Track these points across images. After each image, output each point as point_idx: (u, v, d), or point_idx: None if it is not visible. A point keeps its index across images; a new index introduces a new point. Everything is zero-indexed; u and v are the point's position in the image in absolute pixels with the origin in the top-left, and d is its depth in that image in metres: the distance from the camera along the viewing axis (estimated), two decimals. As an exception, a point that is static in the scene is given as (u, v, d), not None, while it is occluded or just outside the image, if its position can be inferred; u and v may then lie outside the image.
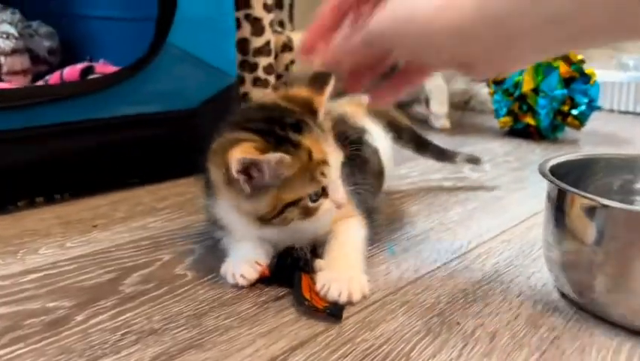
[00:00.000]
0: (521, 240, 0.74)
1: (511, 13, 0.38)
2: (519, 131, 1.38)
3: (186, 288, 0.59)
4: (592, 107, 1.33)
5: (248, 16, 1.27)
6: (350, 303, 0.55)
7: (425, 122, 1.47)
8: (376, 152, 0.79)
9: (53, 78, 0.99)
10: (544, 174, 0.58)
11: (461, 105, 1.74)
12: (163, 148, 0.93)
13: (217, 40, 0.98)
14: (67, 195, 0.85)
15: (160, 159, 0.93)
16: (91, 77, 0.95)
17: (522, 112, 1.35)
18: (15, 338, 0.50)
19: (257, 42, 1.28)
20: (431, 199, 0.90)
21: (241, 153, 0.52)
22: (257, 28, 1.27)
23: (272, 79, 1.32)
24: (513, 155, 1.21)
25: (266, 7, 1.28)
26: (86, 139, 0.86)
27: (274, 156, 0.52)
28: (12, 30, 1.14)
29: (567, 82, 1.32)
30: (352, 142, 0.64)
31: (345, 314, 0.54)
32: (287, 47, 1.37)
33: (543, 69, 1.32)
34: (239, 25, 1.27)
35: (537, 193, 0.83)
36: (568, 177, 0.60)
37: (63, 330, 0.51)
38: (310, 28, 0.51)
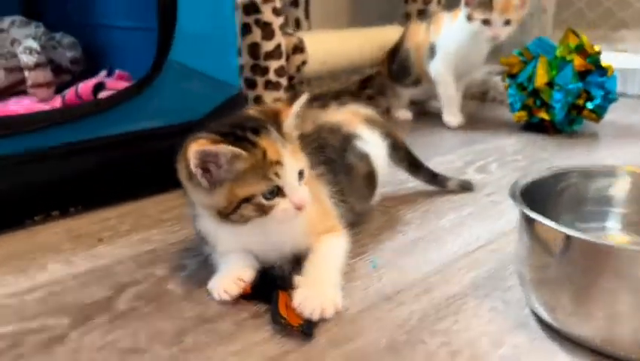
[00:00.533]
0: (508, 249, 0.74)
1: None
2: (535, 125, 1.37)
3: (174, 304, 0.64)
4: (610, 99, 1.30)
5: (257, 21, 1.29)
6: (324, 319, 0.58)
7: (440, 117, 1.46)
8: (365, 157, 0.81)
9: (69, 94, 1.05)
10: (513, 197, 0.59)
11: (479, 96, 1.72)
12: (169, 160, 0.97)
13: (218, 52, 1.01)
14: (80, 207, 0.90)
15: (167, 170, 0.97)
16: (102, 93, 1.00)
17: (536, 107, 1.33)
18: (16, 355, 0.55)
19: (267, 46, 1.31)
20: (427, 205, 0.91)
21: (197, 145, 0.57)
22: (268, 32, 1.30)
23: (284, 81, 1.35)
24: (522, 153, 1.20)
25: (275, 11, 1.30)
26: (98, 155, 0.91)
27: (228, 148, 0.56)
28: (35, 45, 1.20)
29: (582, 75, 1.29)
30: (321, 147, 0.69)
31: (318, 331, 0.57)
32: (298, 48, 1.39)
33: (557, 63, 1.29)
34: (249, 30, 1.30)
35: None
36: (544, 188, 0.62)
37: (58, 348, 0.56)
38: None
